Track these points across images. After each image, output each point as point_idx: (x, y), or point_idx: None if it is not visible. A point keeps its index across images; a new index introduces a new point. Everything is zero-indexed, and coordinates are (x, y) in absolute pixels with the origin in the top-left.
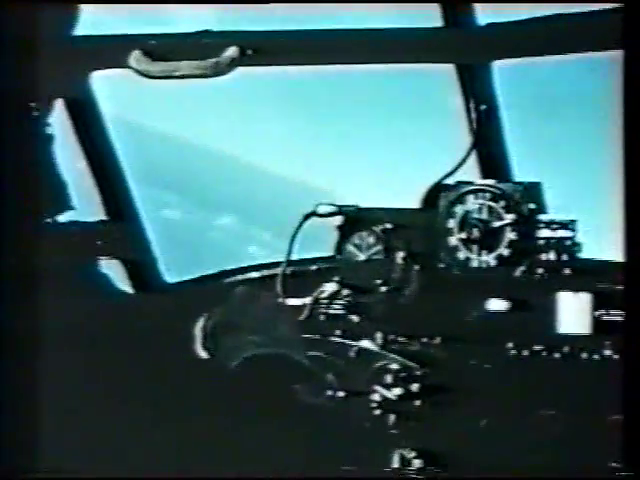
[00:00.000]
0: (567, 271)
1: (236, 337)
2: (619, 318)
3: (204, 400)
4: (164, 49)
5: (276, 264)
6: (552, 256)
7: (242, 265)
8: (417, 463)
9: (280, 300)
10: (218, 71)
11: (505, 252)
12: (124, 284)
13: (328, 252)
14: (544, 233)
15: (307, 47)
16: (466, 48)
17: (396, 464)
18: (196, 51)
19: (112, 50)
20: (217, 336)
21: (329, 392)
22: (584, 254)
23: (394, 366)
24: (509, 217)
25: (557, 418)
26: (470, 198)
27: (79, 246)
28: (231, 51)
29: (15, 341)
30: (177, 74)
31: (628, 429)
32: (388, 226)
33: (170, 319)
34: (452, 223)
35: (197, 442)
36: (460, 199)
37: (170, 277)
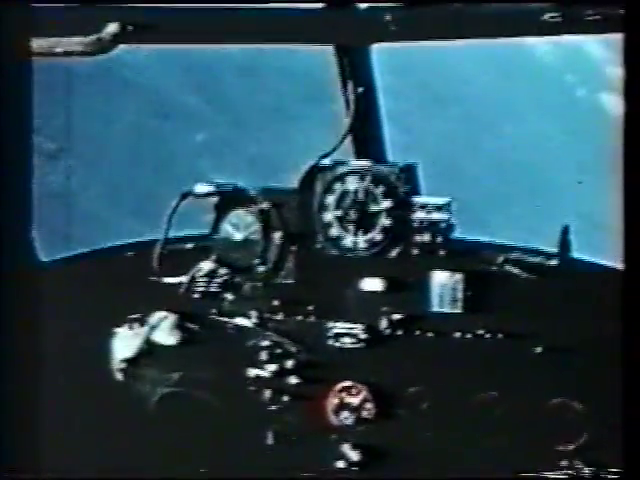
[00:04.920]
0: (441, 252)
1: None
2: (490, 298)
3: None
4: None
5: (153, 242)
6: (427, 237)
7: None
8: (292, 439)
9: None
10: (100, 48)
11: (378, 237)
12: None
13: (205, 231)
14: (419, 215)
15: (186, 24)
16: (346, 30)
17: (271, 440)
18: (77, 27)
19: None
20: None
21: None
22: (458, 235)
23: (269, 343)
24: (386, 203)
25: (425, 395)
26: (349, 178)
27: None
28: (112, 27)
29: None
30: (58, 51)
31: (628, 428)
32: (265, 206)
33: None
34: (329, 200)
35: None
36: (339, 178)
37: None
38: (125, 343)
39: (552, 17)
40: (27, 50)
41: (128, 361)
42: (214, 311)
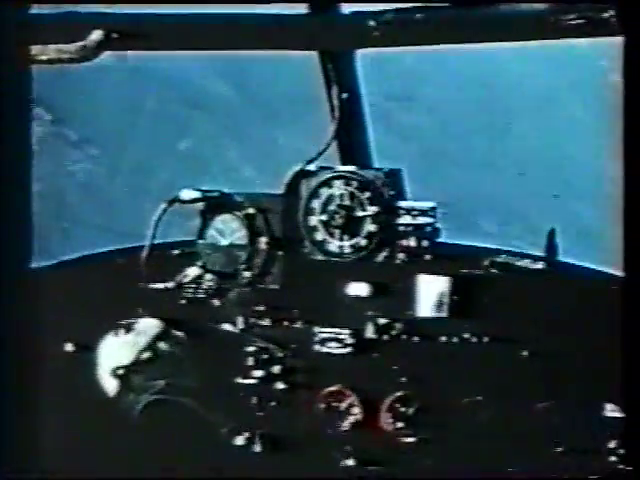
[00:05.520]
0: (427, 256)
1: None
2: (477, 302)
3: None
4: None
5: (140, 248)
6: (412, 242)
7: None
8: (279, 445)
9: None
10: (85, 55)
11: (362, 242)
12: None
13: (191, 237)
14: (404, 220)
15: (171, 31)
16: (330, 36)
17: (258, 446)
18: (62, 34)
19: None
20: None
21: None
22: (444, 239)
23: (255, 349)
24: (372, 209)
25: (412, 399)
26: (335, 183)
27: None
28: (96, 34)
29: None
30: (44, 58)
31: (628, 428)
32: (251, 211)
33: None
34: (315, 204)
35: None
36: (325, 183)
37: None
38: (121, 349)
39: (546, 20)
40: (21, 57)
41: (126, 367)
42: (200, 317)
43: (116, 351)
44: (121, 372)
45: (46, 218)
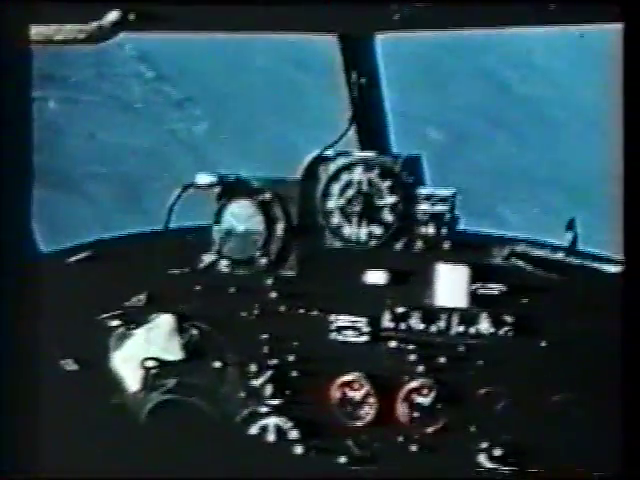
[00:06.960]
0: (446, 245)
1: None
2: (495, 291)
3: None
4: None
5: (154, 234)
6: (431, 230)
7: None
8: (294, 434)
9: None
10: (102, 35)
11: (378, 230)
12: None
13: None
14: (423, 207)
15: (189, 12)
16: (350, 19)
17: (272, 436)
18: (77, 14)
19: None
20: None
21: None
22: (462, 227)
23: (270, 336)
24: (391, 199)
25: (432, 389)
26: (356, 169)
27: None
28: (113, 15)
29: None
30: (59, 38)
31: (628, 427)
32: (267, 196)
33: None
34: (334, 188)
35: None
36: (347, 168)
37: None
38: (134, 343)
39: (551, 6)
40: (26, 38)
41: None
42: (215, 304)
43: (130, 344)
44: (150, 364)
45: (145, 177)
